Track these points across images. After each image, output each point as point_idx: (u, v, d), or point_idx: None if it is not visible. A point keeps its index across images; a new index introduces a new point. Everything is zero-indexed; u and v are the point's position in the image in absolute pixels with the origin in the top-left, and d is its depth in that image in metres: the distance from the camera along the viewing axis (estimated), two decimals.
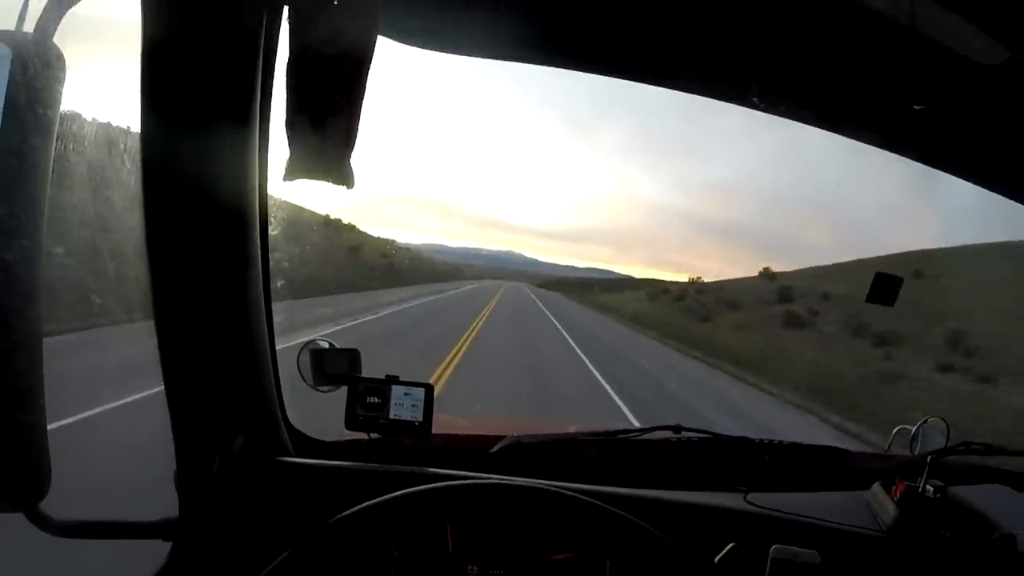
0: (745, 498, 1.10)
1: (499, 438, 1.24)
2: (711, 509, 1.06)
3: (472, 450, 1.25)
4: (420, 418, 1.13)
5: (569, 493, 0.91)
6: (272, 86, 0.93)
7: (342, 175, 0.83)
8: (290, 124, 0.80)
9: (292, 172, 0.81)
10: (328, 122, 0.79)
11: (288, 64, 0.79)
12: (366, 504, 0.89)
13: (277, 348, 1.08)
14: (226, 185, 0.91)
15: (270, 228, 1.03)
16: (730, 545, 0.95)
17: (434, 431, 1.19)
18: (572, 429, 1.33)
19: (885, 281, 1.26)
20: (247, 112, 0.89)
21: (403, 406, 1.13)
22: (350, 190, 0.83)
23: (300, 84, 0.78)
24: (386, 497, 0.90)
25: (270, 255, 1.04)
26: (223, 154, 0.89)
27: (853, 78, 1.06)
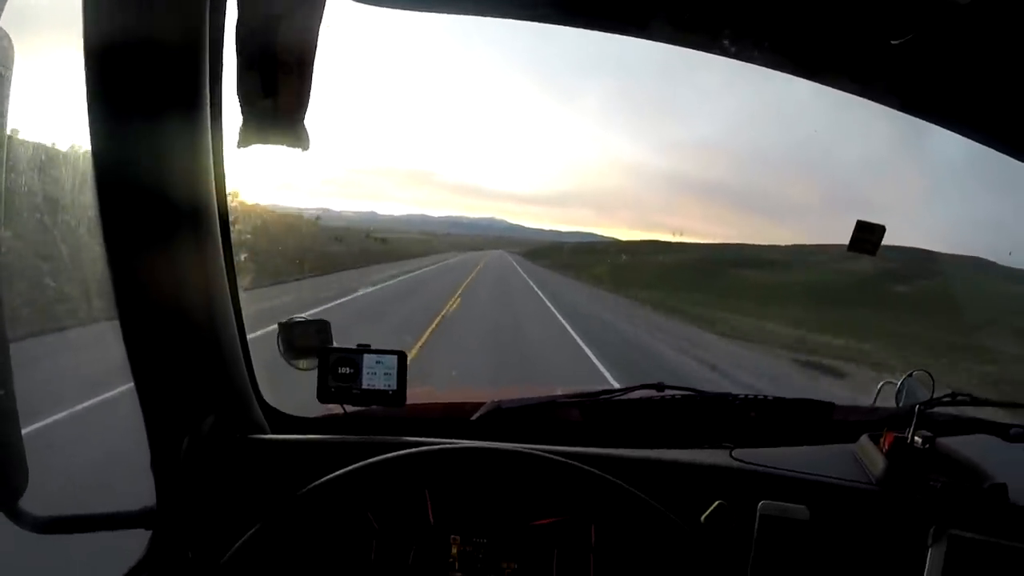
0: (731, 454, 1.13)
1: (480, 405, 1.26)
2: (696, 467, 1.08)
3: (452, 418, 1.27)
4: (394, 386, 1.14)
5: (549, 456, 0.93)
6: (222, 61, 0.92)
7: (296, 137, 0.85)
8: (241, 90, 0.80)
9: (246, 138, 0.84)
10: (279, 84, 0.81)
11: (236, 27, 0.79)
12: (333, 475, 0.92)
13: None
14: (179, 163, 0.91)
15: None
16: (716, 502, 0.98)
17: (414, 402, 1.21)
18: (552, 393, 1.34)
19: (866, 230, 1.28)
20: (196, 89, 0.88)
21: (376, 375, 1.14)
22: (305, 151, 0.84)
23: (248, 47, 0.78)
24: (354, 466, 0.92)
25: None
26: (176, 134, 0.89)
27: (826, 19, 1.06)
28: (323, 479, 0.91)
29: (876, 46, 1.05)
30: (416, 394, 1.27)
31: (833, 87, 1.23)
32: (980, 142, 1.28)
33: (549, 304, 17.69)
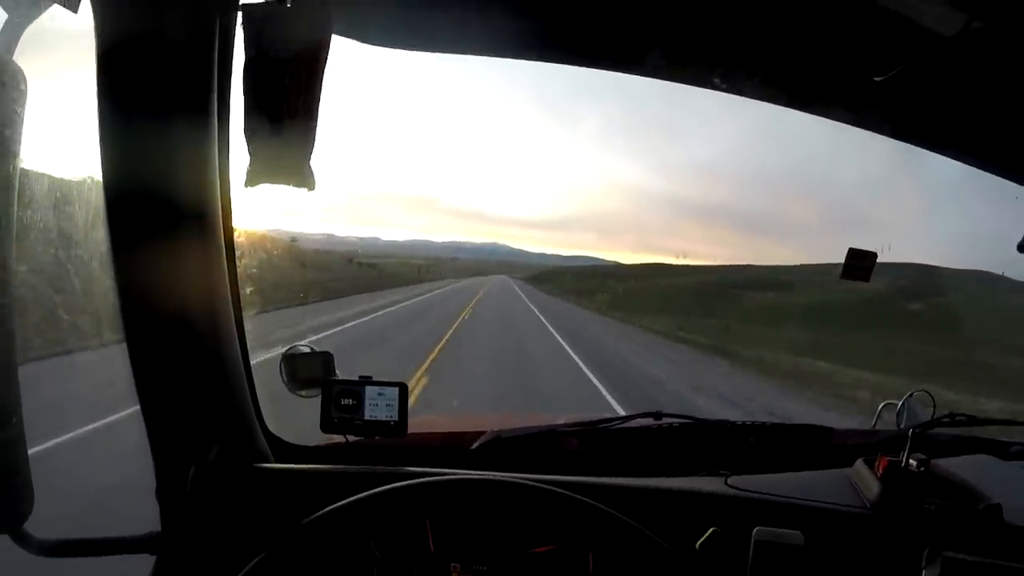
0: (726, 481, 1.13)
1: (480, 434, 1.28)
2: (692, 494, 1.09)
3: (452, 448, 1.29)
4: (395, 417, 1.17)
5: (546, 486, 0.95)
6: (230, 93, 0.96)
7: (302, 178, 0.88)
8: (249, 129, 0.84)
9: (253, 178, 0.87)
10: (286, 126, 0.84)
11: (244, 69, 0.83)
12: (337, 504, 0.94)
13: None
14: (188, 194, 0.95)
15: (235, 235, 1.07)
16: (711, 530, 0.98)
17: (415, 431, 1.23)
18: (553, 421, 1.36)
19: (858, 256, 1.30)
20: (205, 119, 0.93)
21: (377, 406, 1.17)
22: (311, 192, 0.88)
23: (256, 89, 0.83)
24: (356, 497, 0.94)
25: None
26: (183, 163, 0.93)
27: (814, 54, 1.11)
28: (327, 508, 0.93)
29: (865, 79, 1.07)
30: (417, 423, 1.29)
31: (826, 118, 1.28)
32: (972, 165, 1.32)
33: (563, 342, 15.79)
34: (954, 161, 1.33)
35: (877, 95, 1.15)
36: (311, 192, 0.89)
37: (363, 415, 1.16)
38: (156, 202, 0.92)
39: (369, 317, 18.77)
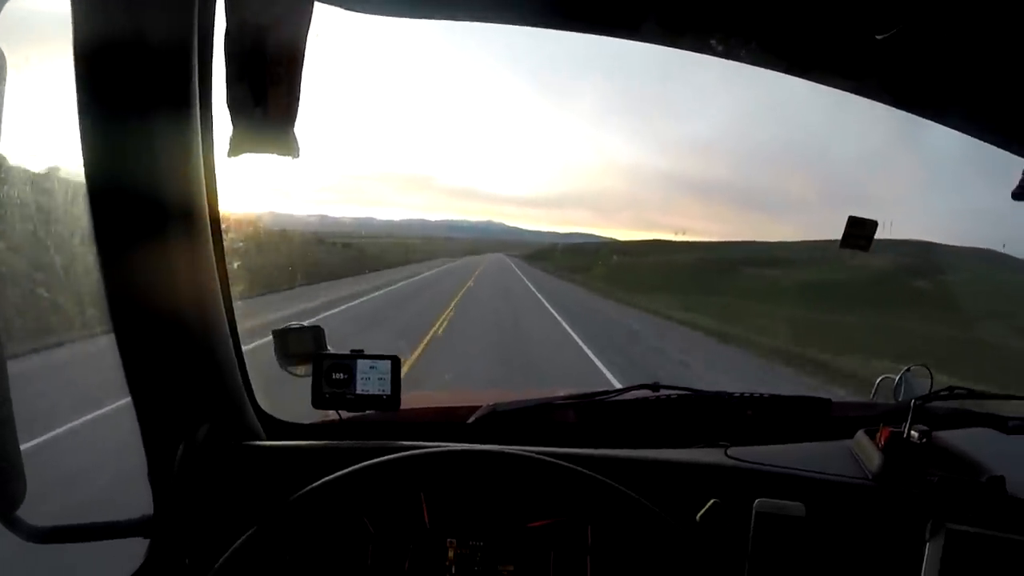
0: (726, 452, 1.15)
1: (476, 408, 1.29)
2: (691, 466, 1.10)
3: (448, 423, 1.31)
4: (388, 391, 1.17)
5: (543, 458, 0.96)
6: (212, 69, 0.96)
7: (286, 146, 0.89)
8: (231, 99, 0.84)
9: (236, 147, 0.88)
10: (269, 93, 0.85)
11: (224, 36, 0.82)
12: (327, 478, 0.95)
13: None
14: (171, 176, 0.95)
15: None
16: (711, 501, 1.00)
17: (409, 406, 1.25)
18: (551, 395, 1.37)
19: (858, 225, 1.30)
20: (187, 96, 0.92)
21: (369, 380, 1.17)
22: (295, 159, 0.90)
23: (238, 57, 0.82)
24: (346, 470, 0.95)
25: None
26: (165, 144, 0.93)
27: (813, 17, 1.10)
28: (317, 483, 0.95)
29: (864, 42, 1.07)
30: (412, 398, 1.31)
31: (826, 85, 1.27)
32: (973, 135, 1.32)
33: (568, 328, 14.11)
34: (954, 135, 1.32)
35: (877, 60, 1.15)
36: (302, 159, 0.90)
37: (355, 389, 1.17)
38: (138, 184, 0.92)
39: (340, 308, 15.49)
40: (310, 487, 0.95)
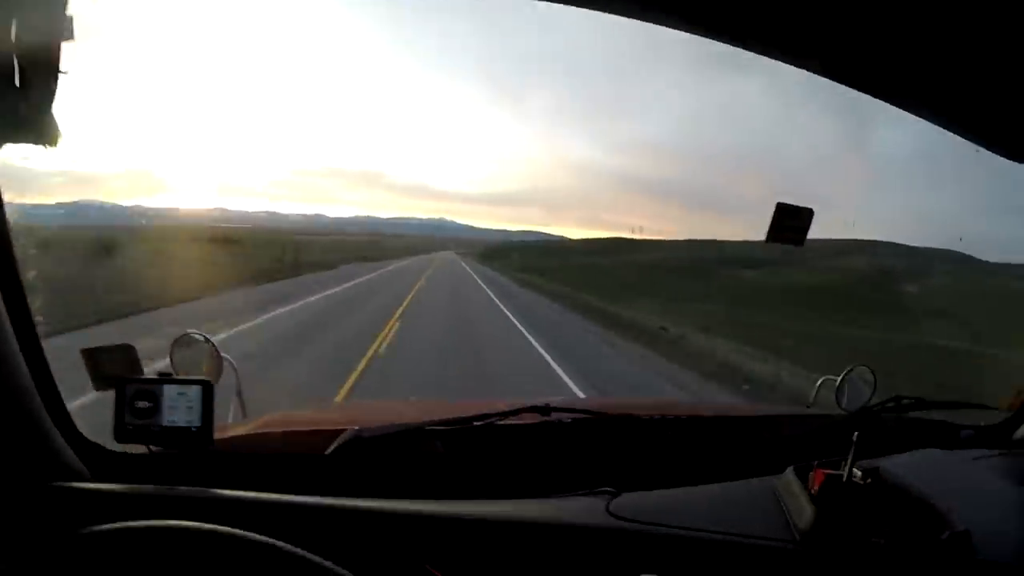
0: (608, 507, 0.99)
1: (340, 432, 1.16)
2: (557, 528, 0.96)
3: (299, 456, 1.18)
4: (197, 422, 1.05)
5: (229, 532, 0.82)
6: None
7: (43, 132, 0.86)
8: None
9: None
10: (26, 72, 0.81)
11: None
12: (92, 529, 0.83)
13: None
14: None
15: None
16: None
17: (276, 428, 1.19)
18: (430, 414, 1.25)
19: (790, 214, 1.19)
20: None
21: (177, 408, 1.05)
22: (52, 148, 0.86)
23: None
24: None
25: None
26: None
27: None
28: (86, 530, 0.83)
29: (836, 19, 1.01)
30: (274, 421, 1.27)
31: (788, 62, 1.22)
32: (941, 125, 1.28)
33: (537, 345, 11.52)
34: (909, 132, 1.28)
35: (845, 40, 1.08)
36: (52, 148, 0.87)
37: (161, 420, 1.05)
38: None
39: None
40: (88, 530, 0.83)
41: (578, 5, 1.12)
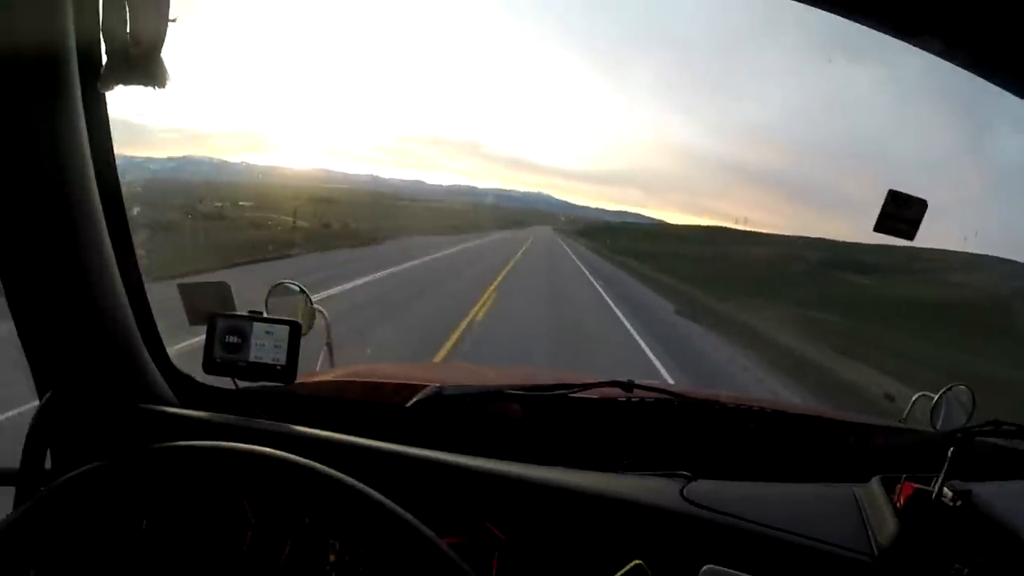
0: (682, 491, 0.99)
1: (422, 387, 1.21)
2: (628, 504, 0.96)
3: (380, 404, 1.24)
4: (283, 360, 1.15)
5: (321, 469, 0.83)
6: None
7: (151, 75, 0.91)
8: (104, 28, 0.89)
9: (107, 79, 0.91)
10: (136, 18, 0.87)
11: None
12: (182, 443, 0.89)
13: None
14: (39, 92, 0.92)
15: None
16: (633, 563, 0.84)
17: (359, 378, 1.25)
18: (513, 378, 1.29)
19: (900, 203, 1.13)
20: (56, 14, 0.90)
21: (264, 346, 1.15)
22: (161, 89, 0.92)
23: None
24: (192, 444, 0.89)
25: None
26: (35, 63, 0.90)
27: None
28: (168, 444, 0.89)
29: None
30: (358, 372, 1.33)
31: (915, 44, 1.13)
32: None
33: None
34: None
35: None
36: (161, 90, 0.92)
37: (248, 355, 1.15)
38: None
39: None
40: (169, 445, 0.89)
41: None
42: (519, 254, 25.33)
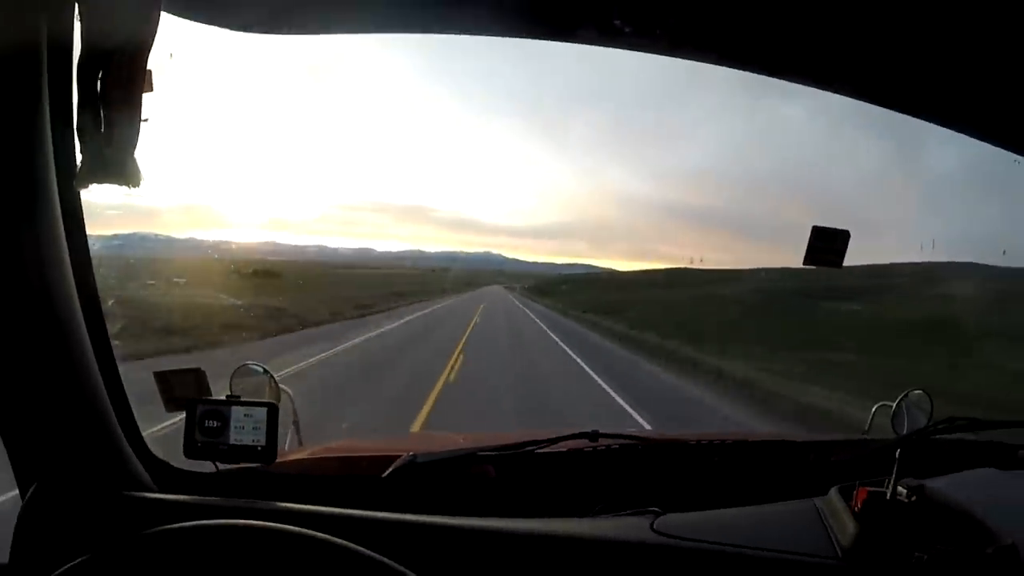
0: (652, 525, 1.08)
1: (396, 458, 1.29)
2: (602, 543, 1.05)
3: (361, 477, 1.31)
4: (263, 441, 1.22)
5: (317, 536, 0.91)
6: (71, 90, 1.02)
7: (126, 175, 0.96)
8: (79, 127, 0.94)
9: (82, 179, 0.96)
10: (112, 120, 0.93)
11: (77, 64, 0.92)
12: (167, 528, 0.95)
13: None
14: (19, 190, 1.02)
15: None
16: None
17: (334, 455, 1.32)
18: (481, 442, 1.38)
19: (826, 237, 1.25)
20: (34, 116, 1.00)
21: (244, 429, 1.22)
22: (134, 189, 0.96)
23: (84, 82, 0.91)
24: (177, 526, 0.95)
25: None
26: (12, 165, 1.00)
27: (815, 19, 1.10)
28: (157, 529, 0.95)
29: (869, 42, 1.10)
30: (332, 448, 1.40)
31: (825, 88, 1.30)
32: (979, 138, 1.35)
33: None
34: (951, 152, 1.28)
35: (880, 61, 1.18)
36: (136, 189, 0.96)
37: (228, 439, 1.21)
38: None
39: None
40: (156, 529, 0.95)
41: (615, 47, 1.26)
42: (465, 337, 19.32)
